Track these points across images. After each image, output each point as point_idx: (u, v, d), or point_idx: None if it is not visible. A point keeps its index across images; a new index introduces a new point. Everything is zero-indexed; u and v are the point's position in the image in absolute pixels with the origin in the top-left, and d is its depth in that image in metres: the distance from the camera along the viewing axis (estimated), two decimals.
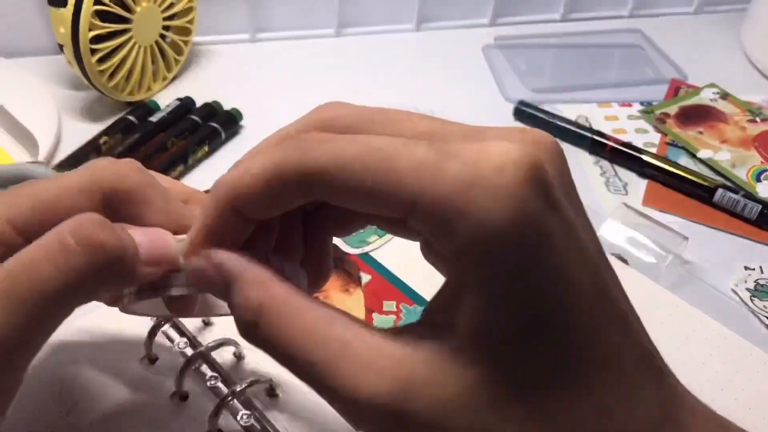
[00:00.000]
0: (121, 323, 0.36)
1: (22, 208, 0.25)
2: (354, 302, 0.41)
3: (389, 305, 0.41)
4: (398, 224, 0.23)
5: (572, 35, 0.73)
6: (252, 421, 0.33)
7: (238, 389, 0.33)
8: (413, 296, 0.42)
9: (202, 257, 0.23)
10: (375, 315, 0.41)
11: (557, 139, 0.23)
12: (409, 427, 0.20)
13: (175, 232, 0.26)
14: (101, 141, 0.53)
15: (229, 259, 0.23)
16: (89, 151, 0.52)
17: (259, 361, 0.36)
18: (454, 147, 0.20)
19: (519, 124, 0.60)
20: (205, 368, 0.35)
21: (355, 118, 0.23)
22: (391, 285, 0.43)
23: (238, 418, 0.33)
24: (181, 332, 0.36)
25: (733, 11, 0.78)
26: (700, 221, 0.52)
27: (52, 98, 0.57)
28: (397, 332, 0.22)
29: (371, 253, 0.44)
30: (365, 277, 0.43)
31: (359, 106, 0.24)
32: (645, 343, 0.22)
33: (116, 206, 0.26)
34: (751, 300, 0.45)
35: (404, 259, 0.44)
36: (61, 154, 0.52)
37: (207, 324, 0.38)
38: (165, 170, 0.51)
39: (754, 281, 0.47)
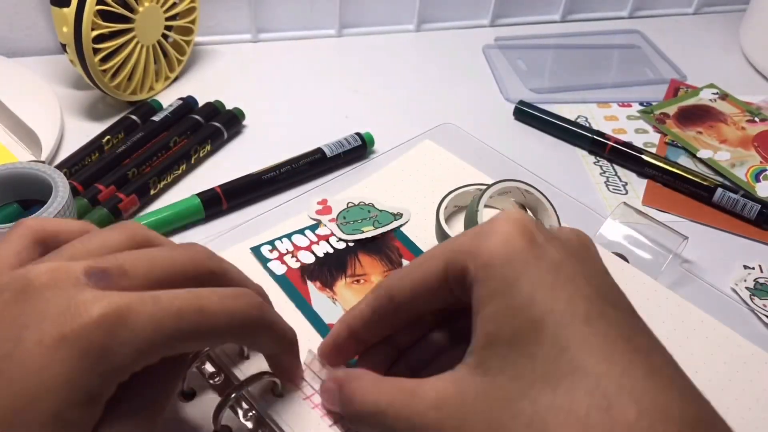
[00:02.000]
0: None
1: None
2: None
3: None
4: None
5: (572, 36, 0.73)
6: (255, 417, 0.33)
7: (243, 381, 0.33)
8: None
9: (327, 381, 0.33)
10: None
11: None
12: None
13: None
14: (104, 140, 0.53)
15: (336, 372, 0.33)
16: (92, 150, 0.52)
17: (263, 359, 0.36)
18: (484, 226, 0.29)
19: (519, 124, 0.61)
20: (208, 366, 0.35)
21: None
22: None
23: (241, 414, 0.33)
24: None
25: (732, 12, 0.79)
26: (700, 221, 0.52)
27: (55, 98, 0.57)
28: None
29: (409, 236, 0.45)
30: (405, 263, 0.43)
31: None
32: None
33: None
34: (751, 299, 0.46)
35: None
36: (64, 153, 0.52)
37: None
38: (168, 168, 0.51)
39: (754, 280, 0.47)
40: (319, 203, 0.47)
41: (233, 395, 0.33)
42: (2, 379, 0.24)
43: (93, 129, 0.55)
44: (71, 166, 0.50)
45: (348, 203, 0.47)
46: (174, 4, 0.59)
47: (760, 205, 0.51)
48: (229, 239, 0.44)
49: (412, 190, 0.49)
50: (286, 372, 0.33)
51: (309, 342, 0.37)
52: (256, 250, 0.43)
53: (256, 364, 0.35)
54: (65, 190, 0.42)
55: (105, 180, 0.49)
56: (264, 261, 0.42)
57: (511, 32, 0.73)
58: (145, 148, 0.53)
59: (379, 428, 0.29)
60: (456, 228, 0.45)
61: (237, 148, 0.56)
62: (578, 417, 0.24)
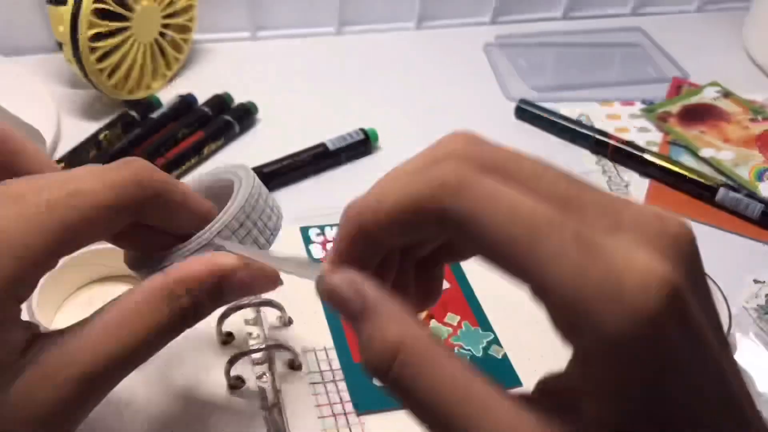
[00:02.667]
0: None
1: (56, 235, 0.25)
2: None
3: (452, 318, 0.41)
4: None
5: (574, 34, 0.73)
6: (267, 380, 0.36)
7: (265, 346, 0.36)
8: (480, 317, 0.41)
9: (342, 276, 0.23)
10: (433, 322, 0.41)
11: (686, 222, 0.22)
12: None
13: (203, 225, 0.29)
14: (101, 136, 0.53)
15: (370, 286, 0.22)
16: (89, 146, 0.52)
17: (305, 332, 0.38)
18: (599, 242, 0.20)
19: (520, 123, 0.60)
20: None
21: (491, 162, 0.22)
22: (464, 299, 0.42)
23: (257, 373, 0.36)
24: None
25: (735, 9, 0.78)
26: (702, 220, 0.52)
27: (51, 96, 0.56)
28: (527, 400, 0.21)
29: (462, 264, 0.44)
30: (445, 284, 0.41)
31: (492, 146, 0.23)
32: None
33: (148, 212, 0.28)
34: (764, 318, 0.44)
35: (491, 281, 0.42)
36: (61, 153, 0.52)
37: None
38: (178, 163, 0.51)
39: (766, 295, 0.46)
40: None
41: (248, 353, 0.35)
42: None
43: (90, 128, 0.54)
44: (68, 163, 0.50)
45: None
46: (171, 2, 0.58)
47: (763, 205, 0.51)
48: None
49: None
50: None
51: (314, 335, 0.38)
52: (304, 231, 0.46)
53: (292, 332, 0.38)
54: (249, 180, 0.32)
55: None
56: (307, 242, 0.45)
57: (513, 30, 0.72)
58: (152, 140, 0.53)
59: (418, 414, 0.22)
60: None
61: (244, 142, 0.56)
62: None
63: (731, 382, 0.21)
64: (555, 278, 0.19)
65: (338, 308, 0.23)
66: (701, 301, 0.21)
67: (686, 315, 0.20)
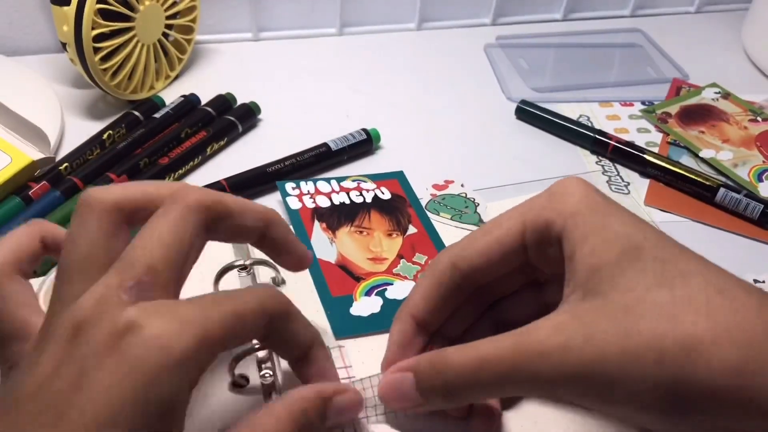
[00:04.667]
0: None
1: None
2: (390, 245, 0.46)
3: (420, 257, 0.45)
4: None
5: (574, 35, 0.73)
6: (269, 378, 0.36)
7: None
8: None
9: (387, 375, 0.32)
10: (402, 261, 0.45)
11: None
12: (568, 356, 0.27)
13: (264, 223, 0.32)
14: (104, 136, 0.53)
15: (407, 362, 0.32)
16: (93, 146, 0.52)
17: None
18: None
19: (521, 123, 0.60)
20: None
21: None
22: (430, 241, 0.46)
23: (261, 371, 0.36)
24: None
25: (735, 10, 0.78)
26: (702, 221, 0.52)
27: (55, 97, 0.57)
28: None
29: (429, 210, 0.49)
30: (411, 229, 0.47)
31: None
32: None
33: (216, 228, 0.30)
34: None
35: (452, 227, 0.48)
36: (64, 153, 0.52)
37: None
38: (181, 162, 0.52)
39: None
40: (446, 181, 0.53)
41: (255, 351, 0.36)
42: (74, 411, 0.24)
43: (93, 128, 0.55)
44: (73, 162, 0.50)
45: (461, 193, 0.52)
46: (174, 3, 0.59)
47: (762, 205, 0.51)
48: None
49: None
50: (282, 251, 0.34)
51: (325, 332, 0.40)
52: (281, 185, 0.49)
53: None
54: None
55: (116, 169, 0.50)
56: (284, 194, 0.48)
57: (513, 31, 0.72)
58: (156, 139, 0.53)
59: (481, 391, 0.30)
60: None
61: (246, 142, 0.56)
62: (700, 303, 0.26)
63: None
64: None
65: (401, 394, 0.32)
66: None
67: (601, 193, 0.32)
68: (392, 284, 0.43)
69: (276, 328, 0.30)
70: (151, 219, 0.28)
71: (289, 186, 0.49)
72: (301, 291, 0.42)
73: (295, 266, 0.35)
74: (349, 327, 0.40)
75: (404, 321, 0.34)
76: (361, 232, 0.46)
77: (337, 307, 0.41)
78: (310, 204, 0.48)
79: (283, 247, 0.34)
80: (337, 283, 0.43)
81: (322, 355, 0.32)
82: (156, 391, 0.24)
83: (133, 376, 0.24)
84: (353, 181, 0.50)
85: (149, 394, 0.24)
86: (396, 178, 0.51)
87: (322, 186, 0.49)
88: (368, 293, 0.42)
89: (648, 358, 0.26)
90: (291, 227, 0.37)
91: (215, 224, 0.30)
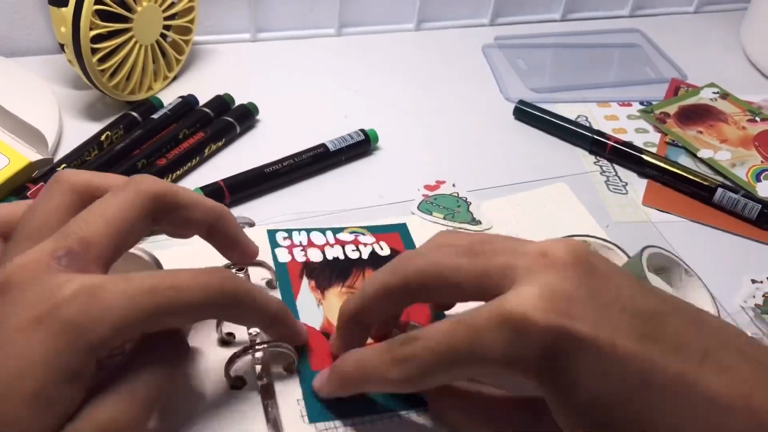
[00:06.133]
0: None
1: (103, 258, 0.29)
2: None
3: (415, 327, 0.40)
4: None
5: (572, 35, 0.73)
6: (267, 380, 0.36)
7: (263, 344, 0.36)
8: (437, 318, 0.41)
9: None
10: (395, 331, 0.38)
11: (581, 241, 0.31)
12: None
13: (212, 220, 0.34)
14: (102, 137, 0.53)
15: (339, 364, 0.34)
16: (91, 147, 0.52)
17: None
18: (484, 317, 0.28)
19: (519, 124, 0.60)
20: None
21: (423, 281, 0.32)
22: (426, 307, 0.41)
23: (257, 373, 0.36)
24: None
25: (733, 10, 0.78)
26: (700, 221, 0.52)
27: (53, 97, 0.57)
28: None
29: (411, 228, 0.47)
30: None
31: (420, 262, 0.32)
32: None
33: (161, 218, 0.31)
34: (761, 318, 0.44)
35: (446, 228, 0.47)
36: (62, 153, 0.52)
37: None
38: (179, 163, 0.52)
39: (763, 295, 0.46)
40: (437, 181, 0.52)
41: (247, 351, 0.35)
42: None
43: (92, 129, 0.54)
44: (71, 163, 0.50)
45: (452, 193, 0.51)
46: (172, 4, 0.58)
47: (760, 205, 0.51)
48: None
49: (522, 220, 0.50)
50: (284, 339, 0.35)
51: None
52: (271, 234, 0.44)
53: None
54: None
55: (114, 170, 0.50)
56: (273, 245, 0.43)
57: (511, 31, 0.72)
58: (154, 140, 0.53)
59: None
60: None
61: (244, 143, 0.56)
62: None
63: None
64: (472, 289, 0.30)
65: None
66: (595, 295, 0.27)
67: (569, 313, 0.27)
68: None
69: (224, 310, 0.31)
70: (101, 198, 0.30)
71: (279, 236, 0.44)
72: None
73: (240, 260, 0.37)
74: (325, 411, 0.35)
75: (350, 330, 0.35)
76: (353, 294, 0.40)
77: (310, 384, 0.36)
78: (300, 257, 0.43)
79: (230, 242, 0.35)
80: (319, 355, 0.37)
81: (227, 226, 0.34)
82: (66, 360, 0.25)
83: (47, 342, 0.25)
84: (351, 233, 0.45)
85: (60, 362, 0.25)
86: (398, 231, 0.47)
87: (316, 237, 0.44)
88: None
89: None
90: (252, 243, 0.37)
91: (163, 214, 0.31)
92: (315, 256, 0.43)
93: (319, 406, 0.35)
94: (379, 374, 0.30)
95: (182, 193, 0.32)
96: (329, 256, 0.43)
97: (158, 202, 0.30)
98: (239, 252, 0.36)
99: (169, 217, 0.31)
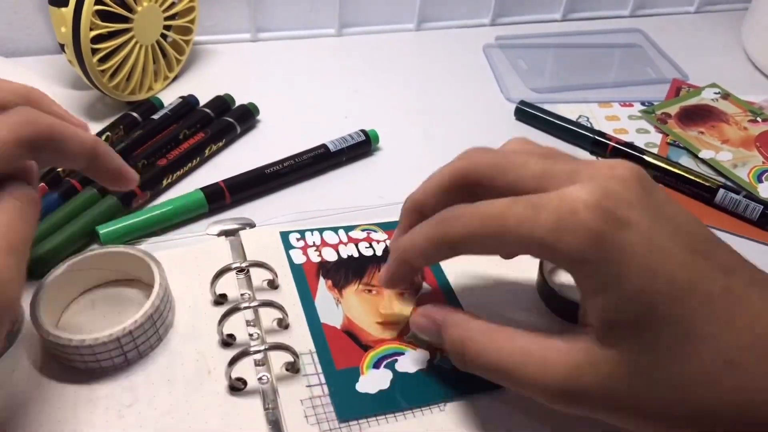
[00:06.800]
0: None
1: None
2: (401, 307, 0.41)
3: None
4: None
5: (573, 35, 0.73)
6: (266, 382, 0.36)
7: (265, 347, 0.36)
8: None
9: (421, 316, 0.36)
10: None
11: (631, 164, 0.31)
12: (583, 400, 0.29)
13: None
14: (102, 138, 0.53)
15: (435, 311, 0.36)
16: None
17: (297, 336, 0.39)
18: (544, 199, 0.29)
19: (520, 124, 0.60)
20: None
21: (485, 170, 0.32)
22: (445, 301, 0.42)
23: (258, 374, 0.37)
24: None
25: (734, 11, 0.78)
26: (702, 221, 0.52)
27: (53, 98, 0.56)
28: (562, 331, 0.31)
29: (443, 265, 0.44)
30: (425, 287, 0.43)
31: (489, 154, 0.33)
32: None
33: (41, 147, 0.31)
34: None
35: (470, 280, 0.43)
36: None
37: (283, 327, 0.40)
38: (180, 164, 0.51)
39: None
40: None
41: (248, 353, 0.36)
42: None
43: (92, 129, 0.54)
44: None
45: None
46: (173, 4, 0.58)
47: (762, 206, 0.51)
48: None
49: None
50: (109, 179, 0.36)
51: (303, 339, 0.38)
52: (284, 236, 0.45)
53: (288, 336, 0.39)
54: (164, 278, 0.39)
55: None
56: (288, 247, 0.44)
57: (512, 31, 0.72)
58: (154, 140, 0.53)
59: (491, 378, 0.32)
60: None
61: (245, 143, 0.56)
62: (710, 378, 0.27)
63: (695, 254, 0.29)
64: (523, 236, 0.29)
65: (426, 335, 0.37)
66: (653, 210, 0.29)
67: (620, 219, 0.28)
68: (403, 354, 0.39)
69: (42, 153, 0.31)
70: None
71: (293, 237, 0.45)
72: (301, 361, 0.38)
73: (120, 188, 0.37)
74: (355, 407, 0.36)
75: (412, 214, 0.36)
76: (369, 290, 0.42)
77: (341, 382, 0.37)
78: (315, 258, 0.43)
79: (109, 175, 0.36)
80: (343, 354, 0.38)
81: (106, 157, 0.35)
82: None
83: None
84: (363, 230, 0.46)
85: None
86: None
87: (329, 237, 0.45)
88: (376, 365, 0.38)
89: (657, 425, 0.29)
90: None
91: (38, 150, 0.31)
92: (329, 255, 0.44)
93: (348, 404, 0.36)
94: (431, 234, 0.33)
95: (57, 126, 0.32)
96: (344, 255, 0.44)
97: (33, 141, 0.30)
98: (119, 184, 0.36)
99: (46, 150, 0.31)
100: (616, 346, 0.28)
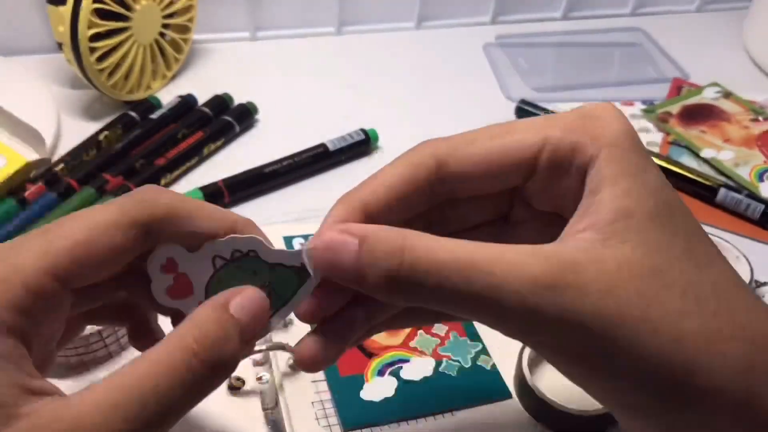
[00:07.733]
0: None
1: (60, 257, 0.24)
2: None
3: (439, 328, 0.40)
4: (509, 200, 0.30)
5: (573, 33, 0.73)
6: (266, 382, 0.36)
7: (265, 347, 0.36)
8: (468, 327, 0.40)
9: (331, 231, 0.25)
10: (421, 333, 0.40)
11: None
12: (583, 299, 0.24)
13: (228, 231, 0.26)
14: (101, 137, 0.53)
15: (358, 226, 0.26)
16: (89, 147, 0.52)
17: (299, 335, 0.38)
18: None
19: None
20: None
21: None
22: None
23: (257, 374, 0.37)
24: None
25: (735, 9, 0.78)
26: (703, 221, 0.51)
27: (51, 97, 0.56)
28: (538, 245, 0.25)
29: None
30: None
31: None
32: None
33: (159, 230, 0.26)
34: None
35: None
36: (61, 153, 0.52)
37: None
38: (178, 163, 0.51)
39: (764, 296, 0.46)
40: None
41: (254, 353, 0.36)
42: None
43: (90, 128, 0.54)
44: (69, 163, 0.50)
45: None
46: (171, 3, 0.58)
47: (763, 205, 0.51)
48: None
49: None
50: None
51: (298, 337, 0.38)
52: (288, 240, 0.44)
53: (289, 336, 0.38)
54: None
55: (113, 170, 0.50)
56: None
57: (513, 30, 0.72)
58: (153, 140, 0.53)
59: (439, 298, 0.24)
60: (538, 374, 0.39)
61: (244, 143, 0.56)
62: (724, 290, 0.26)
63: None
64: (546, 131, 0.28)
65: (335, 259, 0.25)
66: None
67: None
68: (408, 361, 0.38)
69: (164, 231, 0.26)
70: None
71: (296, 242, 0.44)
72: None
73: None
74: (360, 415, 0.35)
75: (352, 207, 0.28)
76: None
77: (346, 390, 0.36)
78: None
79: None
80: (347, 361, 0.37)
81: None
82: None
83: None
84: None
85: None
86: None
87: None
88: (381, 372, 0.37)
89: (664, 336, 0.24)
90: None
91: (158, 227, 0.26)
92: None
93: (352, 411, 0.35)
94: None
95: (183, 204, 0.26)
96: None
97: (148, 216, 0.26)
98: None
99: (167, 230, 0.26)
100: (626, 241, 0.25)
